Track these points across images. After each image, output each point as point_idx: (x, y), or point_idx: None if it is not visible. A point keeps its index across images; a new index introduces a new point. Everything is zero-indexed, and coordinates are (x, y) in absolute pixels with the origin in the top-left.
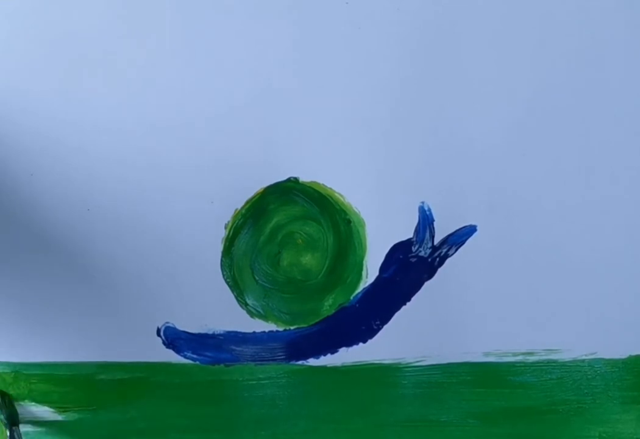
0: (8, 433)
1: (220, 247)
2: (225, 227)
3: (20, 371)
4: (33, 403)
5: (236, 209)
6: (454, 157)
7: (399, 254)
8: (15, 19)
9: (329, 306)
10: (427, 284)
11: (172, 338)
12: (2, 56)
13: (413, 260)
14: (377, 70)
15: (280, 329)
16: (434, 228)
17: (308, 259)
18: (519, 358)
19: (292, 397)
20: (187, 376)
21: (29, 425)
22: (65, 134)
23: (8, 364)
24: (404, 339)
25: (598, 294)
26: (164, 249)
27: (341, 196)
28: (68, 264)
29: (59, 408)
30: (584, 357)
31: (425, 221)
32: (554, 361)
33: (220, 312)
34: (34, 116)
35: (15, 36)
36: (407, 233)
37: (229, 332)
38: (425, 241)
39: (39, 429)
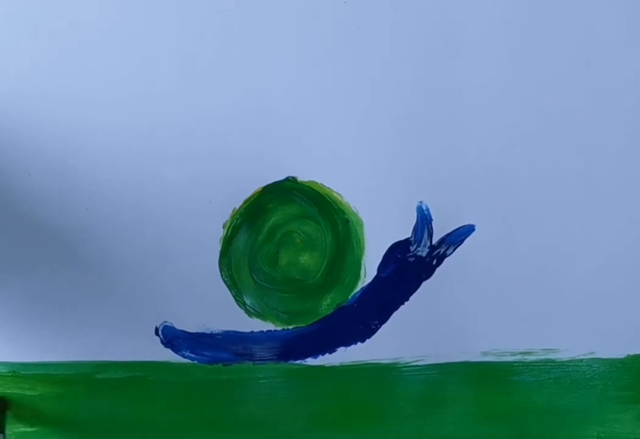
0: None
1: (218, 247)
2: (224, 227)
3: (18, 370)
4: (31, 403)
5: (234, 209)
6: (452, 157)
7: (397, 253)
8: (13, 18)
9: (327, 305)
10: (425, 283)
11: (171, 337)
12: None
13: (411, 260)
14: (376, 70)
15: (279, 328)
16: (432, 228)
17: (306, 259)
18: (517, 358)
19: (290, 396)
20: (186, 375)
21: (27, 426)
22: (62, 134)
23: (6, 364)
24: (402, 339)
25: (596, 294)
26: (162, 249)
27: (339, 195)
28: (66, 264)
29: (57, 407)
30: (582, 357)
31: (424, 221)
32: (552, 361)
33: (219, 311)
34: (32, 116)
35: (11, 36)
36: (406, 233)
37: (227, 331)
38: (423, 241)
39: (36, 429)
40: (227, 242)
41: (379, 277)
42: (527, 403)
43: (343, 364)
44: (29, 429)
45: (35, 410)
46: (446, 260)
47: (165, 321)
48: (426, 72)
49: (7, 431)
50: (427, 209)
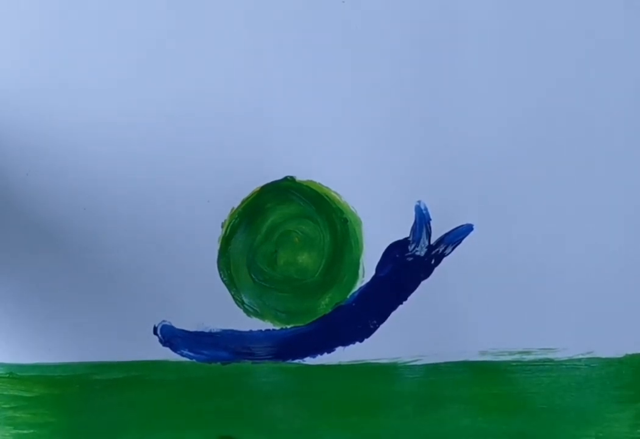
0: None
1: (217, 246)
2: (222, 226)
3: (15, 372)
4: (28, 405)
5: (233, 208)
6: (450, 156)
7: (395, 253)
8: (10, 17)
9: (325, 305)
10: (423, 283)
11: (169, 337)
12: None
13: (409, 259)
14: (374, 70)
15: (277, 327)
16: (430, 227)
17: (304, 258)
18: (515, 357)
19: (288, 396)
20: (184, 374)
21: (24, 427)
22: (60, 133)
23: (2, 365)
24: (400, 339)
25: (594, 293)
26: (161, 248)
27: (338, 194)
28: (63, 264)
29: (54, 409)
30: (580, 356)
31: (422, 220)
32: (550, 360)
33: (217, 310)
34: (29, 115)
35: (9, 35)
36: (404, 232)
37: (225, 330)
38: (421, 240)
39: (32, 431)
40: (226, 242)
41: (377, 276)
42: (525, 402)
43: (341, 363)
44: (25, 432)
45: (32, 412)
46: (444, 260)
47: (163, 321)
48: (425, 72)
49: (5, 433)
50: (426, 209)
